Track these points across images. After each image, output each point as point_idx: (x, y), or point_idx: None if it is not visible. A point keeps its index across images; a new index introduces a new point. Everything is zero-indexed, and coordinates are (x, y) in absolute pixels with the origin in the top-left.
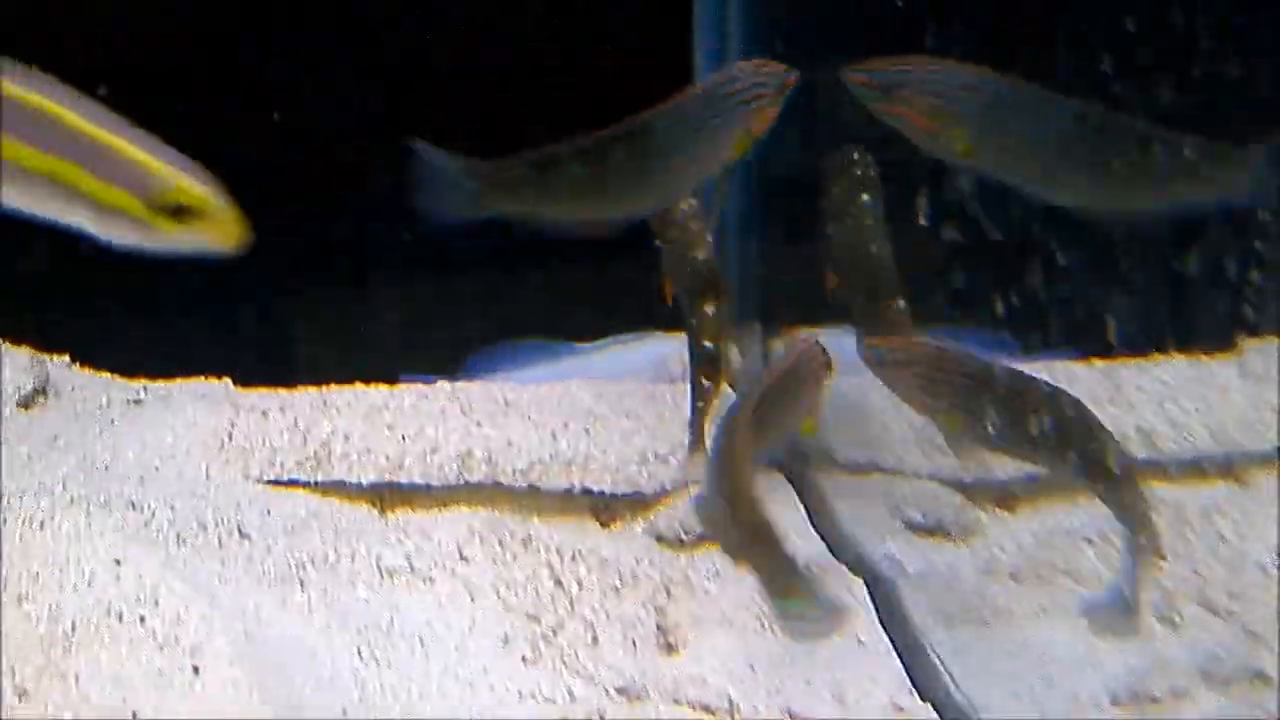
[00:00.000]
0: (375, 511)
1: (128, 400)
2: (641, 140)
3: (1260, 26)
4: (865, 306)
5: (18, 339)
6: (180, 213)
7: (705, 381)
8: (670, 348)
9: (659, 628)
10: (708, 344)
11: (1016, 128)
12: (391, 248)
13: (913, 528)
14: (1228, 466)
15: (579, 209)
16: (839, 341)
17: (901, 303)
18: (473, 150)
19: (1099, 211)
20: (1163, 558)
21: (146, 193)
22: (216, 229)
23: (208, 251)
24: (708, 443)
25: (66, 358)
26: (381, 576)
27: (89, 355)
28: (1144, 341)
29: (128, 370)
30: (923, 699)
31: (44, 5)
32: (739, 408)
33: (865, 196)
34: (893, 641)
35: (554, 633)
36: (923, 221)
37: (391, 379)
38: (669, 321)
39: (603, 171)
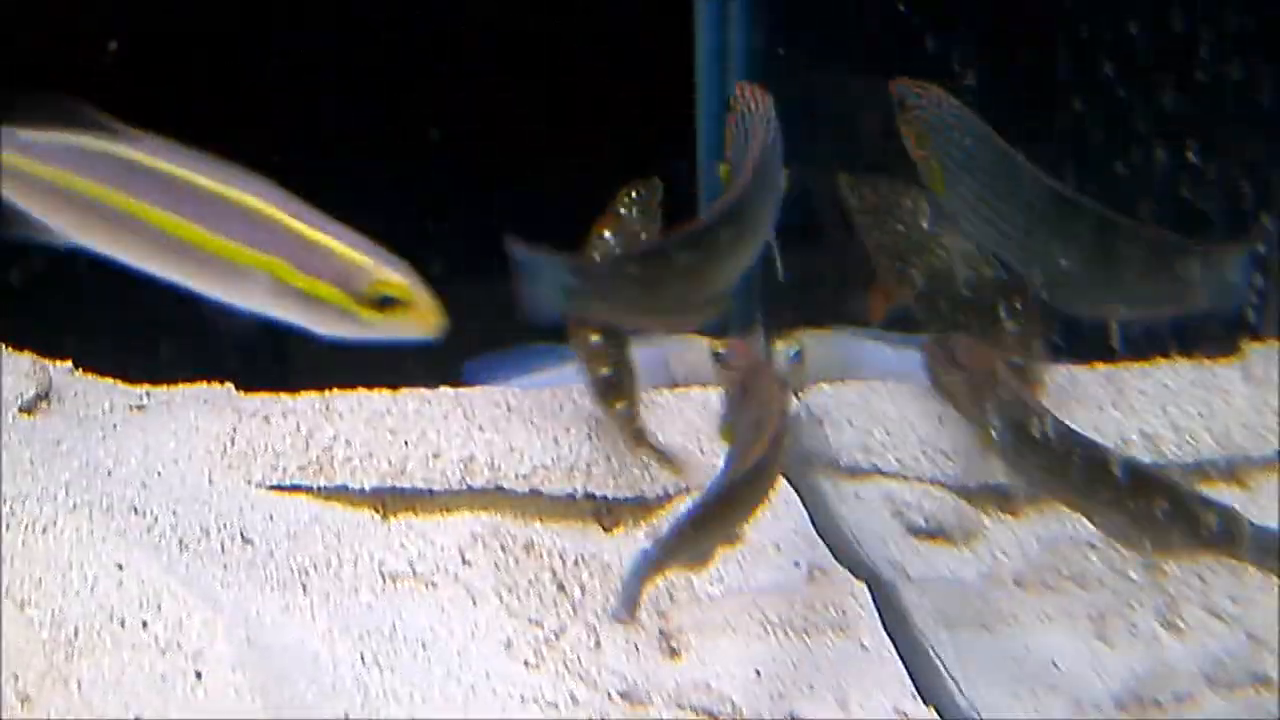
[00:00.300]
0: (378, 516)
1: (130, 405)
2: (742, 217)
3: (1262, 28)
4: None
5: (20, 344)
6: (384, 304)
7: (616, 406)
8: (671, 352)
9: (662, 632)
10: (603, 371)
11: (986, 188)
12: (396, 252)
13: (916, 532)
14: (1231, 470)
15: (682, 296)
16: (842, 343)
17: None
18: (474, 155)
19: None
20: None
21: (352, 286)
22: (417, 318)
23: (409, 338)
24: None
25: (69, 363)
26: (384, 581)
27: (91, 361)
28: (1146, 345)
29: (130, 375)
30: (926, 704)
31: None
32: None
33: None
34: (896, 646)
35: (556, 637)
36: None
37: (394, 384)
38: None
39: (711, 255)
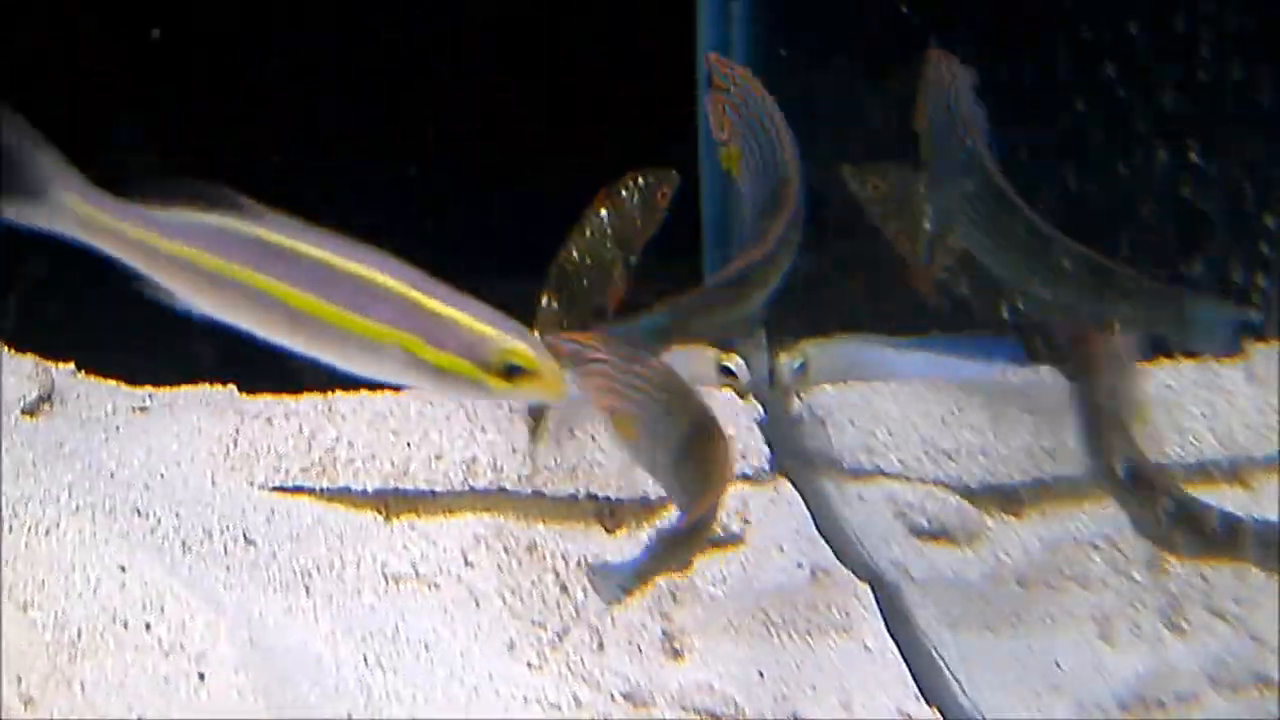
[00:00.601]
0: (380, 518)
1: (133, 407)
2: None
3: (1262, 28)
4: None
5: (22, 347)
6: (511, 372)
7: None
8: (673, 359)
9: (664, 633)
10: (539, 333)
11: (975, 212)
12: (396, 252)
13: (918, 533)
14: (1234, 471)
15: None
16: (847, 350)
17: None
18: (474, 155)
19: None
20: None
21: (479, 357)
22: (543, 384)
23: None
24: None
25: (71, 365)
26: (387, 583)
27: (94, 363)
28: (1150, 346)
29: (133, 377)
30: (929, 704)
31: None
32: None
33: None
34: (899, 647)
35: (559, 639)
36: (928, 227)
37: (396, 385)
38: None
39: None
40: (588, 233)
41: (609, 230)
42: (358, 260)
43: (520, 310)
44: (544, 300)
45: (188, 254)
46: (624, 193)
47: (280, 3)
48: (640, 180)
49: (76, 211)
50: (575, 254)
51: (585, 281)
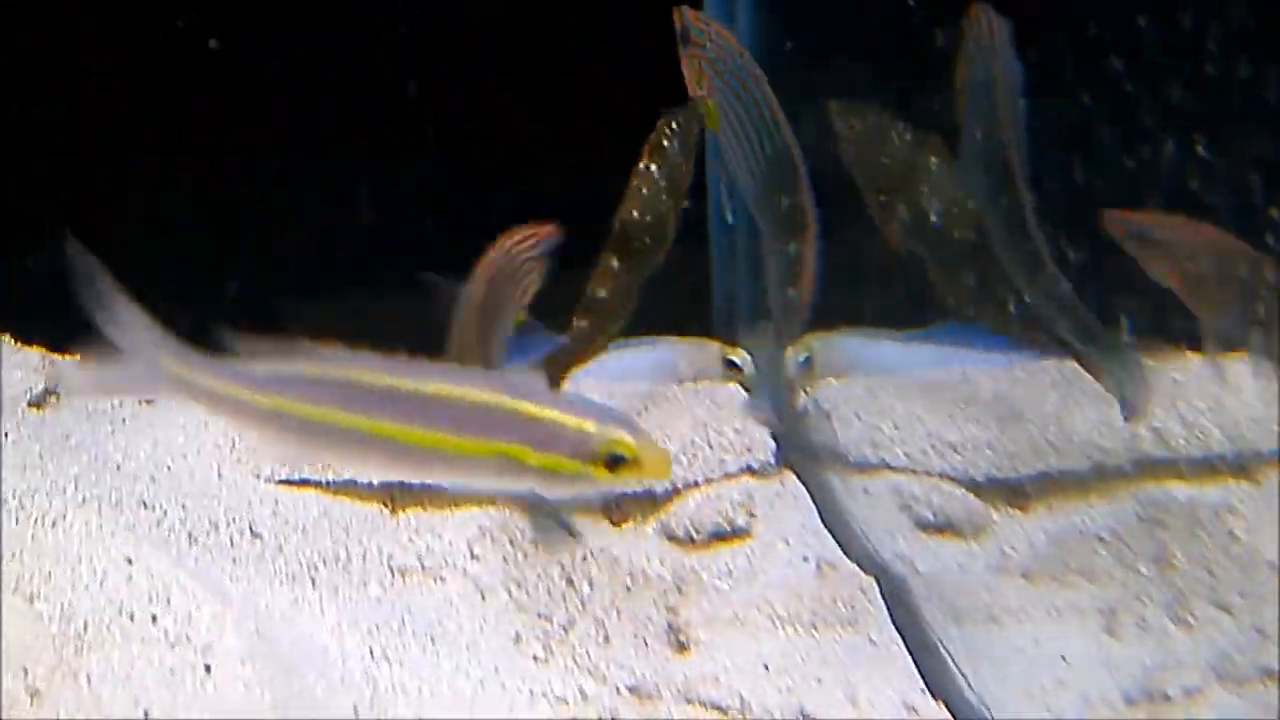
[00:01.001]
0: (386, 511)
1: (139, 400)
2: None
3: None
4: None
5: (29, 339)
6: (614, 462)
7: (578, 322)
8: (679, 352)
9: (670, 627)
10: (599, 292)
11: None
12: (405, 249)
13: (924, 526)
14: (1240, 465)
15: None
16: (851, 343)
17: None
18: (474, 154)
19: None
20: None
21: (583, 454)
22: (649, 469)
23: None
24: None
25: (77, 357)
26: (393, 575)
27: (100, 355)
28: (1156, 340)
29: None
30: (935, 698)
31: None
32: None
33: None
34: (905, 640)
35: (565, 632)
36: (933, 220)
37: None
38: (680, 328)
39: None
40: (644, 190)
41: (662, 183)
42: (447, 382)
43: (533, 313)
44: (608, 261)
45: (283, 406)
46: (665, 143)
47: (280, 2)
48: (674, 125)
49: (171, 372)
50: (635, 213)
51: (647, 239)
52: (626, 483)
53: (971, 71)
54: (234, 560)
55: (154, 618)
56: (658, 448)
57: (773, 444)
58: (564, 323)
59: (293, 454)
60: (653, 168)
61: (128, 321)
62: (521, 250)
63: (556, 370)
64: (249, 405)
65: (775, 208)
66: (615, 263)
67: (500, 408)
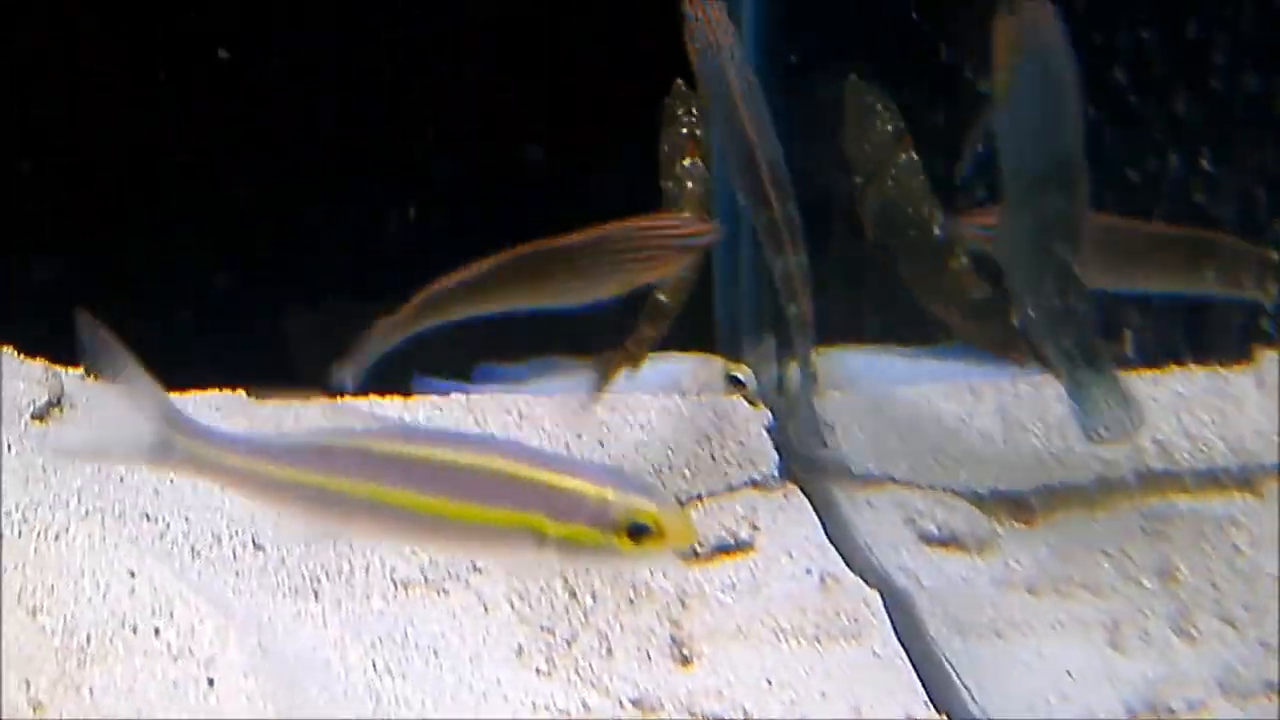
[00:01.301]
0: None
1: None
2: None
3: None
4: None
5: (31, 351)
6: (637, 531)
7: (645, 328)
8: (684, 366)
9: (673, 640)
10: (663, 297)
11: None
12: (408, 259)
13: (928, 540)
14: (1244, 478)
15: None
16: (856, 358)
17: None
18: (475, 154)
19: None
20: None
21: (603, 523)
22: (672, 539)
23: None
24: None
25: (81, 370)
26: (395, 588)
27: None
28: (1160, 353)
29: None
30: (939, 711)
31: None
32: None
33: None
34: (908, 654)
35: (568, 645)
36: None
37: (406, 390)
38: (683, 344)
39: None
40: (689, 184)
41: (703, 173)
42: (465, 450)
43: (538, 325)
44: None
45: (299, 478)
46: (698, 131)
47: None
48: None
49: (182, 445)
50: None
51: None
52: (650, 554)
53: (1016, 59)
54: (237, 573)
55: (157, 631)
56: (681, 514)
57: (776, 457)
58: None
59: (311, 527)
60: (699, 162)
61: (137, 390)
62: (657, 230)
63: (605, 374)
64: (263, 478)
65: (760, 220)
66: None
67: (519, 476)
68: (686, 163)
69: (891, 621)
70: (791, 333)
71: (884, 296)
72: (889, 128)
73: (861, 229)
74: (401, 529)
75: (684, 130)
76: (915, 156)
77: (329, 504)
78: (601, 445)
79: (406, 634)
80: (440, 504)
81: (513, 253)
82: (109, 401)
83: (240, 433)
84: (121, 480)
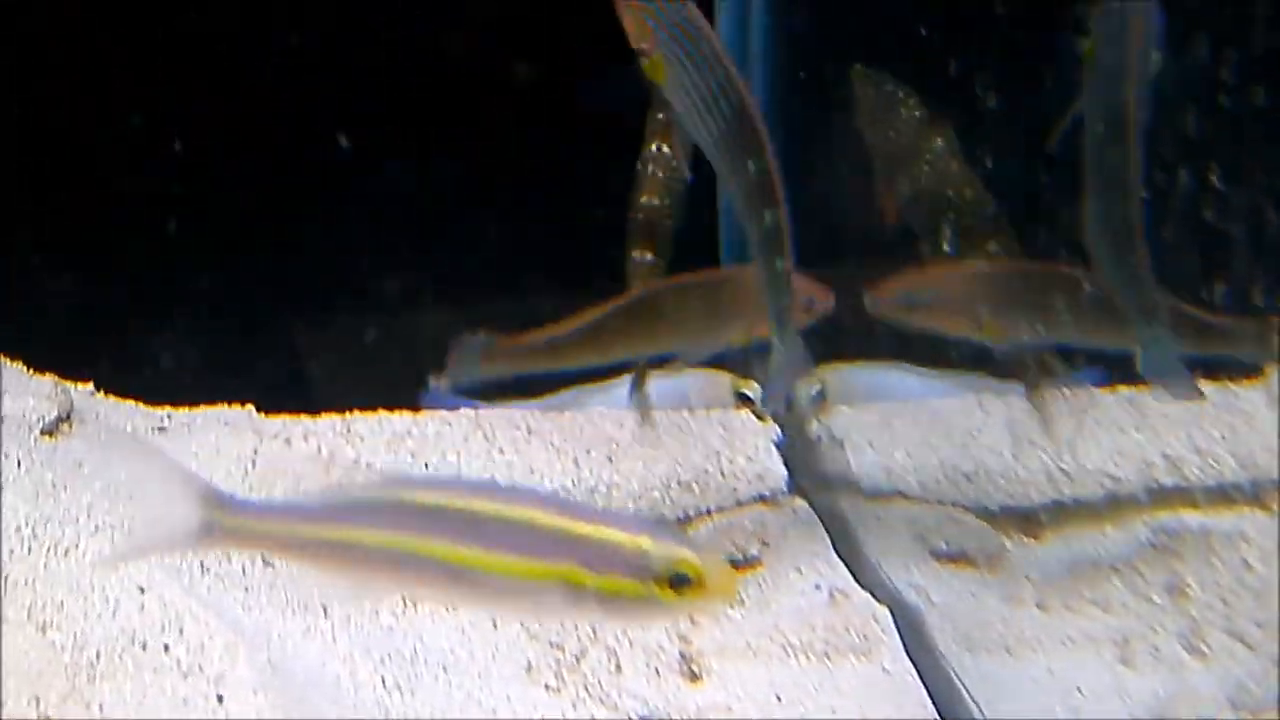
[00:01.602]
0: None
1: (152, 427)
2: None
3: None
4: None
5: (42, 367)
6: (678, 582)
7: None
8: (691, 381)
9: (683, 656)
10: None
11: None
12: (414, 274)
13: (938, 556)
14: (1255, 494)
15: None
16: (867, 375)
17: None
18: (474, 148)
19: None
20: None
21: (644, 574)
22: (713, 591)
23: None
24: None
25: (90, 385)
26: (405, 604)
27: (113, 383)
28: None
29: (151, 398)
30: None
31: None
32: None
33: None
34: (918, 670)
35: (577, 660)
36: (947, 248)
37: (414, 405)
38: None
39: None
40: (660, 174)
41: (672, 163)
42: (500, 502)
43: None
44: (637, 254)
45: (338, 536)
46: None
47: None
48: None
49: (231, 526)
50: (655, 200)
51: (667, 221)
52: (693, 605)
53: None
54: (246, 589)
55: (166, 647)
56: (723, 565)
57: (785, 472)
58: None
59: (357, 586)
60: (663, 148)
61: (171, 477)
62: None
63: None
64: (306, 541)
65: (742, 173)
66: (649, 255)
67: (555, 527)
68: (653, 147)
69: (901, 638)
70: (774, 287)
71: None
72: (915, 113)
73: (876, 235)
74: (436, 583)
75: (660, 115)
76: (951, 140)
77: (370, 561)
78: (610, 461)
79: (416, 650)
80: (479, 558)
81: (629, 297)
82: (145, 494)
83: (278, 500)
84: (131, 496)
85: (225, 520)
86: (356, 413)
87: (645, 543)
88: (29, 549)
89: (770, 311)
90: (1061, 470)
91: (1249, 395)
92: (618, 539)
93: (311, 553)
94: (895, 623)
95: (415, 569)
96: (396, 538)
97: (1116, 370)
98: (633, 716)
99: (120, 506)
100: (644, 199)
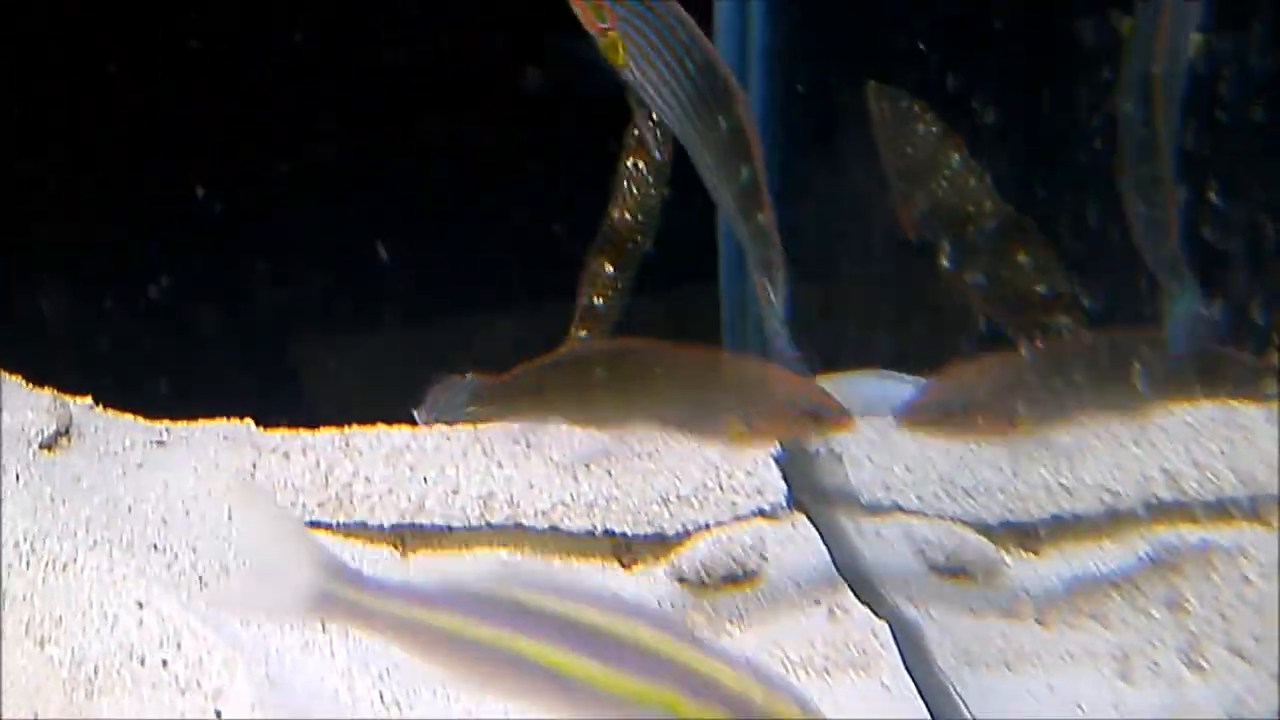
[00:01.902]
0: (397, 553)
1: (150, 442)
2: None
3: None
4: None
5: (41, 380)
6: None
7: (577, 333)
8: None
9: None
10: (595, 300)
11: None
12: (415, 287)
13: (937, 570)
14: (1254, 509)
15: None
16: (864, 385)
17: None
18: (474, 148)
19: None
20: None
21: (740, 713)
22: None
23: None
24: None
25: (89, 399)
26: None
27: (112, 397)
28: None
29: (150, 412)
30: None
31: None
32: None
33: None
34: (917, 685)
35: None
36: (945, 264)
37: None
38: None
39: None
40: (635, 190)
41: (650, 178)
42: (610, 612)
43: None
44: (596, 265)
45: (451, 625)
46: (647, 136)
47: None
48: (653, 116)
49: (350, 601)
50: (627, 214)
51: (638, 237)
52: None
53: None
54: None
55: (164, 662)
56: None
57: (784, 486)
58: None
59: (455, 676)
60: (640, 164)
61: (292, 540)
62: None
63: None
64: (419, 625)
65: (714, 131)
66: (608, 267)
67: (664, 651)
68: (629, 162)
69: (900, 652)
70: (757, 245)
71: (896, 323)
72: (933, 129)
73: (874, 252)
74: (543, 689)
75: (635, 131)
76: (967, 156)
77: (479, 656)
78: (609, 475)
79: (414, 665)
80: (588, 669)
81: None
82: (258, 548)
83: (394, 580)
84: (130, 510)
85: (347, 594)
86: (355, 427)
87: (750, 686)
88: (27, 563)
89: (754, 266)
90: (1061, 485)
91: (1248, 411)
92: (722, 675)
93: (423, 639)
94: (894, 638)
95: (523, 670)
96: (512, 637)
97: None
98: None
99: (119, 520)
100: (615, 214)
